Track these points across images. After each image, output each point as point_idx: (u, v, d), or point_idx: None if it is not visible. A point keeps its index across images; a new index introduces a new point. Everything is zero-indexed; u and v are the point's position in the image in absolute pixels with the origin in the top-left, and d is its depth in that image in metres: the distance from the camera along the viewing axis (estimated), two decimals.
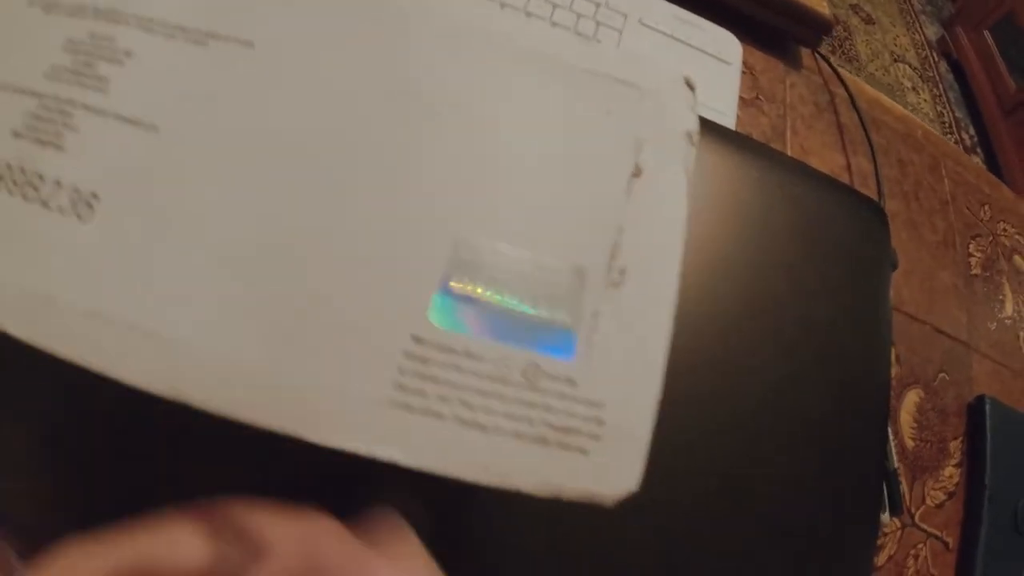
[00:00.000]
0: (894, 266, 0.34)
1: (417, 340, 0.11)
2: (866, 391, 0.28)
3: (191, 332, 0.11)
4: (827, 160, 0.42)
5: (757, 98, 0.42)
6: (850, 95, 0.47)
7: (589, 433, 0.12)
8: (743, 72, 0.40)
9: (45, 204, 0.12)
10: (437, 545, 0.12)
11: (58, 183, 0.12)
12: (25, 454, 0.16)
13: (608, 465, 0.12)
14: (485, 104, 0.14)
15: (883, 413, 0.28)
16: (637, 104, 0.16)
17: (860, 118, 0.45)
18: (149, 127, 0.12)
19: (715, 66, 0.38)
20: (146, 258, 0.11)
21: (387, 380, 0.11)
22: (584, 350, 0.12)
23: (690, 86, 0.18)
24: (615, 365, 0.12)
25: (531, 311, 0.12)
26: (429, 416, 0.11)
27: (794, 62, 0.46)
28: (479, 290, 0.12)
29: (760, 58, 0.44)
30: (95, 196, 0.12)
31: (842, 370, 0.27)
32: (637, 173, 0.15)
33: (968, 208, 0.51)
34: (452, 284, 0.12)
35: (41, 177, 0.12)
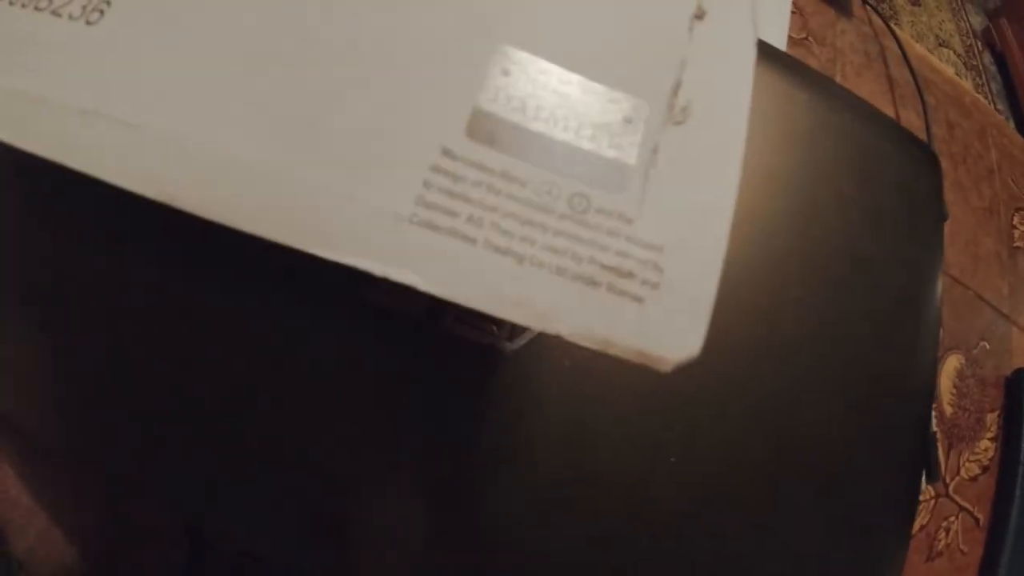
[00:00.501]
0: (944, 217, 0.32)
1: (447, 153, 0.09)
2: (915, 339, 0.26)
3: (190, 127, 0.09)
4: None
5: (806, 39, 0.39)
6: (902, 49, 0.44)
7: (645, 279, 0.10)
8: (792, 12, 0.38)
9: (56, 12, 0.10)
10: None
11: None
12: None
13: (666, 319, 0.10)
14: None
15: (932, 365, 0.26)
16: None
17: (912, 73, 0.42)
18: None
19: None
20: (151, 57, 0.10)
21: (410, 194, 0.09)
22: (640, 187, 0.10)
23: None
24: (676, 207, 0.10)
25: (581, 139, 0.10)
26: (456, 238, 0.09)
27: (844, 9, 0.43)
28: (522, 109, 0.10)
29: (811, 0, 0.41)
30: (107, 2, 0.10)
31: (893, 312, 0.25)
32: (700, 14, 0.13)
33: (1013, 180, 0.48)
34: (492, 97, 0.10)
35: None
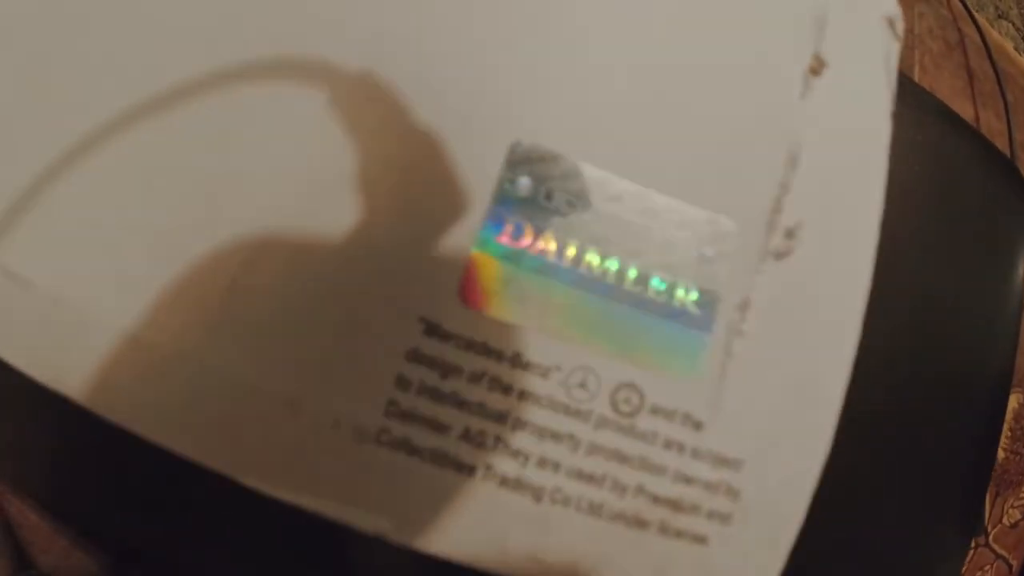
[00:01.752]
0: None
1: (432, 331, 0.06)
2: (984, 386, 0.22)
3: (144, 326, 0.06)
4: (956, 109, 0.34)
5: None
6: (985, 43, 0.37)
7: (713, 512, 0.07)
8: None
9: None
10: None
11: None
12: None
13: (735, 562, 0.07)
14: None
15: (999, 416, 0.23)
16: None
17: (996, 73, 0.36)
18: None
19: None
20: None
21: (377, 401, 0.06)
22: (719, 369, 0.07)
23: None
24: (768, 396, 0.07)
25: (634, 289, 0.07)
26: (444, 466, 0.06)
27: None
28: (544, 245, 0.07)
29: None
30: None
31: (962, 356, 0.22)
32: (817, 68, 0.09)
33: None
34: (498, 233, 0.07)
35: None
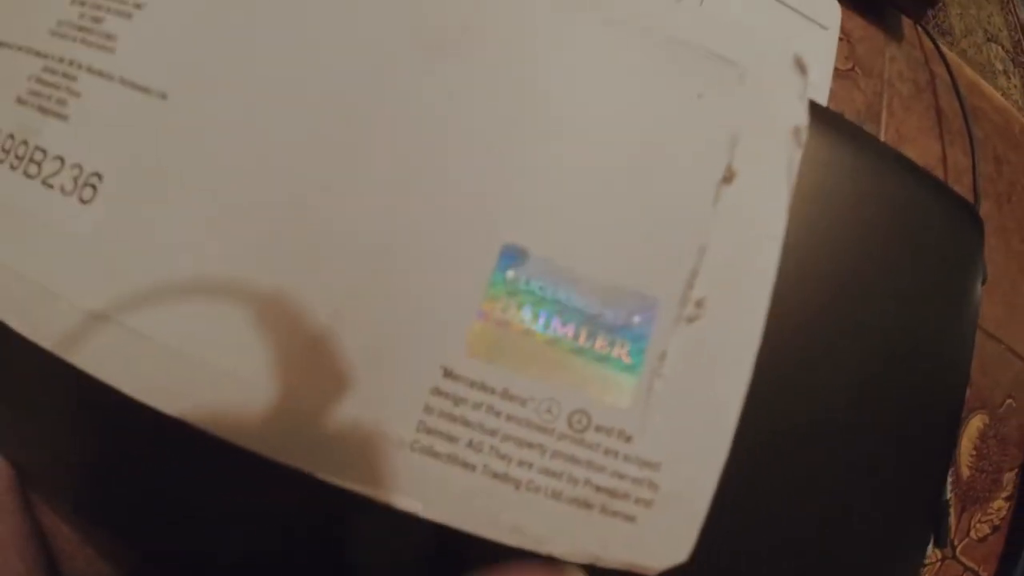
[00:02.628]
0: (983, 280, 0.31)
1: (448, 374, 0.10)
2: (937, 415, 0.25)
3: (195, 342, 0.09)
4: (923, 148, 0.37)
5: (853, 69, 0.37)
6: (954, 82, 0.41)
7: (639, 498, 0.10)
8: (839, 39, 0.35)
9: (47, 183, 0.11)
10: None
11: (60, 159, 0.10)
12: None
13: (657, 535, 0.10)
14: (541, 65, 0.11)
15: (951, 443, 0.26)
16: (735, 88, 0.13)
17: (963, 111, 0.40)
18: (157, 94, 0.10)
19: (809, 30, 0.33)
20: (152, 255, 0.10)
21: (411, 420, 0.09)
22: (644, 400, 0.10)
23: (801, 68, 0.15)
24: (679, 420, 0.10)
25: (584, 346, 0.10)
26: (457, 465, 0.09)
27: (895, 32, 0.40)
28: (522, 316, 0.10)
29: (859, 24, 0.38)
30: (99, 176, 0.10)
31: (915, 390, 0.25)
32: (729, 177, 0.12)
33: None
34: (490, 307, 0.10)
35: (44, 152, 0.11)
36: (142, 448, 0.14)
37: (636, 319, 0.10)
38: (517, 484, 0.10)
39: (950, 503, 0.32)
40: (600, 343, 0.10)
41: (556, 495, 0.10)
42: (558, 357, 0.10)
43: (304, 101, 0.10)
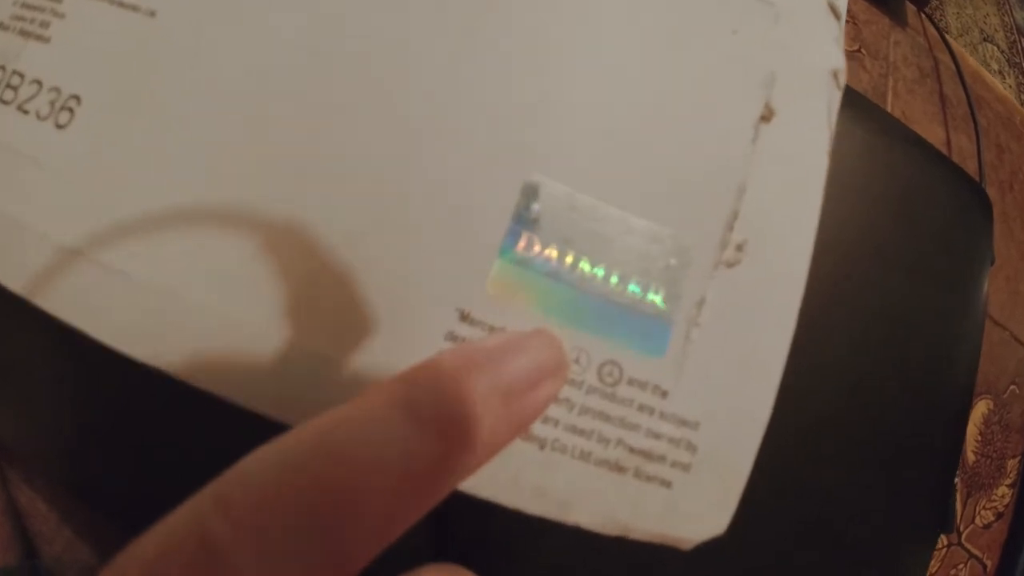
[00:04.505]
0: (991, 261, 0.30)
1: (465, 317, 0.08)
2: (946, 397, 0.24)
3: (183, 281, 0.08)
4: (927, 132, 0.37)
5: (859, 51, 0.36)
6: (958, 68, 0.40)
7: (676, 461, 0.09)
8: (845, 21, 0.34)
9: (22, 108, 0.09)
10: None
11: (38, 83, 0.09)
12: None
13: (694, 503, 0.09)
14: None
15: (961, 424, 0.25)
16: (771, 26, 0.12)
17: (967, 96, 0.39)
18: (146, 11, 0.09)
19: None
20: (129, 187, 0.09)
21: None
22: (680, 350, 0.09)
23: (836, 13, 0.14)
24: (719, 372, 0.09)
25: (616, 289, 0.09)
26: None
27: (899, 19, 0.39)
28: (547, 255, 0.09)
29: (864, 7, 0.38)
30: (77, 99, 0.09)
31: (925, 370, 0.24)
32: (767, 116, 0.11)
33: None
34: (516, 244, 0.09)
35: (21, 76, 0.09)
36: (121, 406, 0.13)
37: (672, 262, 0.09)
38: (541, 443, 0.08)
39: (956, 487, 0.31)
40: (632, 287, 0.09)
41: (585, 456, 0.08)
42: (586, 303, 0.09)
43: (316, 16, 0.09)
